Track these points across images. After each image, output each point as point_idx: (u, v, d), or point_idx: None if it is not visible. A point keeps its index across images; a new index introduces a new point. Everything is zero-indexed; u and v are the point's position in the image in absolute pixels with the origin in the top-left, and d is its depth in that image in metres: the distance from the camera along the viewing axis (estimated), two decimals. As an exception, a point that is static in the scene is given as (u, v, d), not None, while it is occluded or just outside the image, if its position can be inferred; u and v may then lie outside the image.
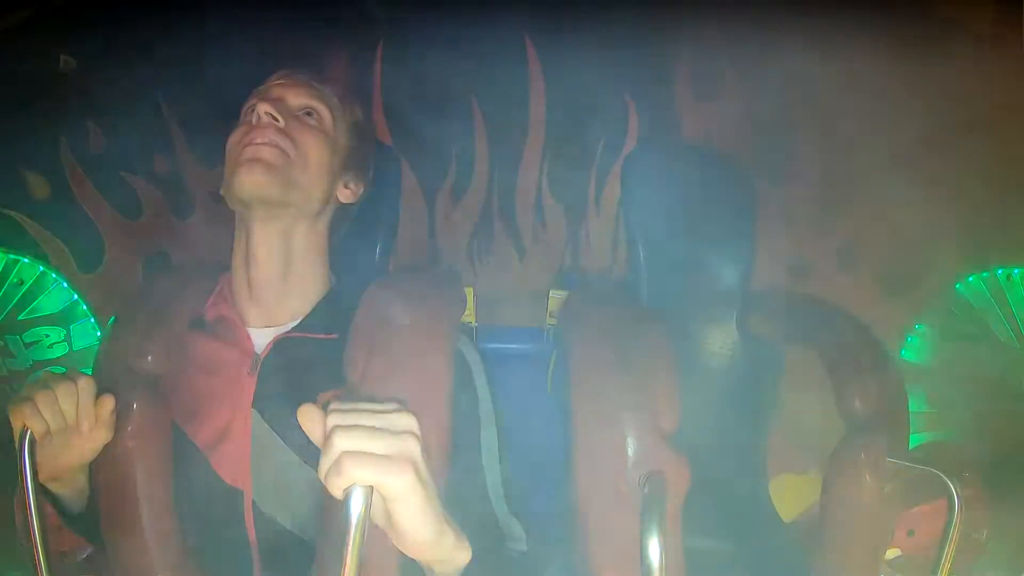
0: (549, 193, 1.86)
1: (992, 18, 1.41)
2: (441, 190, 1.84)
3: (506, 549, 0.77)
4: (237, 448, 0.77)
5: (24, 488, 0.65)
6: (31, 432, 0.66)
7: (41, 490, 0.69)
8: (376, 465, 0.50)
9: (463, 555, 0.61)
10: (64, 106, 1.56)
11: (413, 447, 0.52)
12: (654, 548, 0.65)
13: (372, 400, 0.56)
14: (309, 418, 0.55)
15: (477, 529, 0.69)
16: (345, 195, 0.88)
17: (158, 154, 1.69)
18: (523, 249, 1.88)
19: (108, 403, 0.71)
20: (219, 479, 0.77)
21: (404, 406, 0.56)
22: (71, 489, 0.75)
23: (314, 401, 0.76)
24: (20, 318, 1.50)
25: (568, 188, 1.85)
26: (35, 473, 0.66)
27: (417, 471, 0.52)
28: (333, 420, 0.52)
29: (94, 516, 0.76)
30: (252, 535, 0.77)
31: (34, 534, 0.65)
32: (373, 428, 0.52)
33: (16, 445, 0.66)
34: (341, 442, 0.50)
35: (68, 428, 0.68)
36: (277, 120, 0.78)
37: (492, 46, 1.73)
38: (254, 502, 0.77)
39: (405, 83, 1.77)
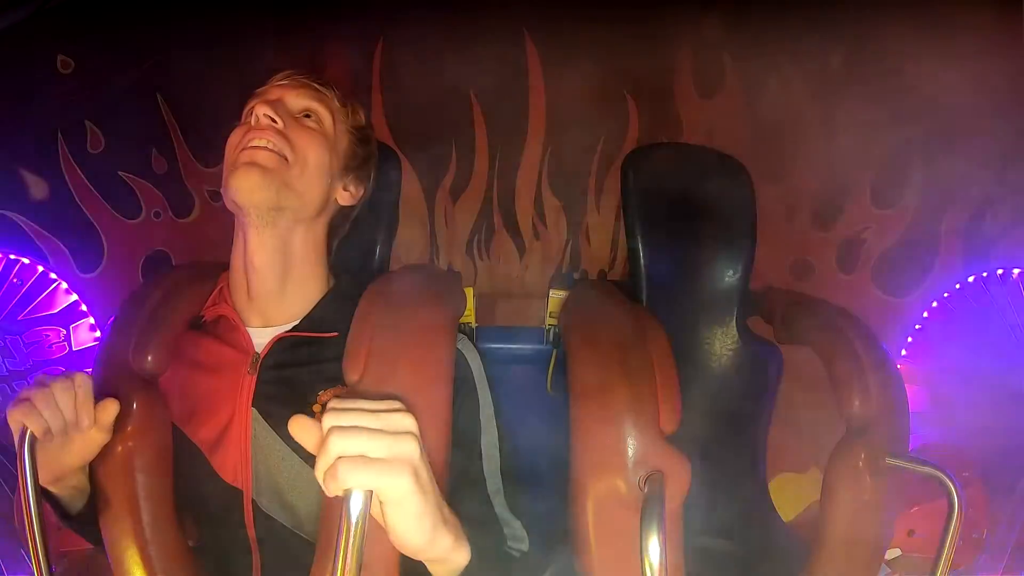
0: (549, 190, 1.86)
1: (993, 17, 1.42)
2: (441, 187, 1.84)
3: (507, 549, 0.77)
4: (237, 447, 0.77)
5: (24, 488, 0.65)
6: (31, 432, 0.66)
7: (41, 491, 0.68)
8: (373, 469, 0.49)
9: (462, 556, 0.61)
10: (62, 106, 1.56)
11: (411, 450, 0.51)
12: (654, 548, 0.65)
13: (371, 398, 0.56)
14: (301, 428, 0.53)
15: (478, 528, 0.69)
16: (345, 198, 0.87)
17: (156, 154, 1.69)
18: (523, 247, 1.88)
19: (112, 407, 0.70)
20: (219, 478, 0.77)
21: (404, 404, 0.55)
22: (71, 489, 0.75)
23: (314, 399, 0.77)
24: (20, 318, 1.49)
25: (568, 185, 1.85)
26: (35, 473, 0.66)
27: (416, 473, 0.52)
28: (330, 420, 0.51)
29: (94, 516, 0.75)
30: (252, 534, 0.77)
31: (34, 534, 0.65)
32: (371, 430, 0.51)
33: (16, 446, 0.66)
34: (337, 445, 0.49)
35: (67, 426, 0.68)
36: (276, 122, 0.77)
37: (492, 41, 1.73)
38: (254, 501, 0.77)
39: (404, 80, 1.77)
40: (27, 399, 0.66)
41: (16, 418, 0.66)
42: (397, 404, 0.55)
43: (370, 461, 0.49)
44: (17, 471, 0.66)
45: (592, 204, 1.86)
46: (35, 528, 0.65)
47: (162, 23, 1.57)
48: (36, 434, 0.65)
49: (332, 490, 0.49)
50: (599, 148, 1.82)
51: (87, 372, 0.71)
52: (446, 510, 0.59)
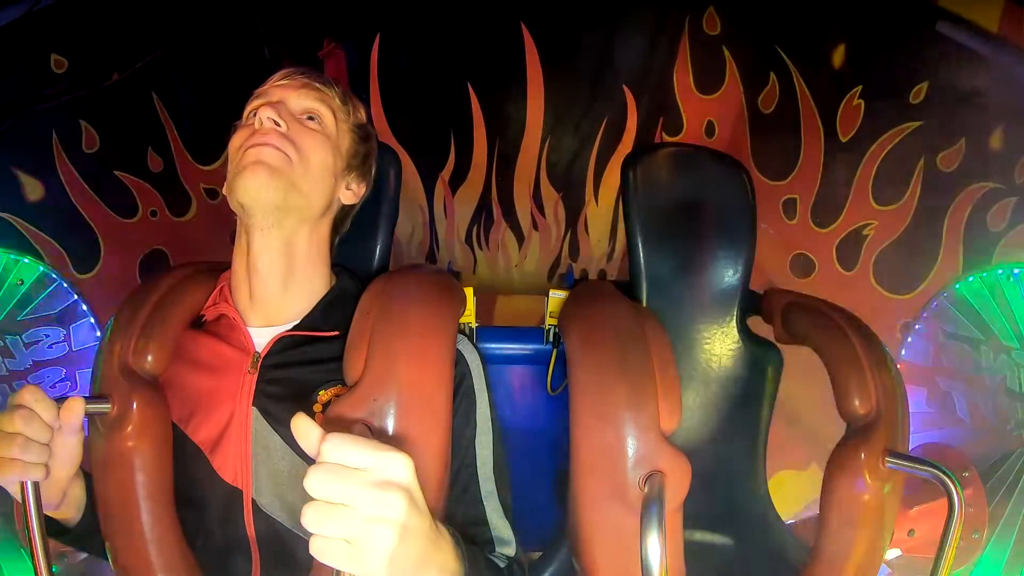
0: (547, 182, 1.86)
1: (995, 16, 1.41)
2: (440, 179, 1.84)
3: (491, 557, 0.77)
4: (237, 447, 0.77)
5: (31, 534, 0.64)
6: (32, 483, 0.64)
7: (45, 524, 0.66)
8: (343, 556, 0.48)
9: (455, 568, 0.60)
10: (56, 106, 1.55)
11: (387, 536, 0.49)
12: (654, 548, 0.65)
13: (365, 432, 0.53)
14: (302, 429, 0.53)
15: (467, 531, 0.68)
16: (347, 196, 0.87)
17: (152, 152, 1.68)
18: (522, 237, 1.88)
19: (77, 406, 0.67)
20: (219, 478, 0.77)
21: (402, 446, 0.53)
22: (73, 509, 0.75)
23: (315, 398, 0.77)
24: (20, 318, 1.49)
25: (566, 177, 1.85)
26: (40, 509, 0.64)
27: (402, 535, 0.50)
28: (311, 481, 0.49)
29: (93, 525, 0.75)
30: (252, 534, 0.77)
31: (34, 534, 0.65)
32: (346, 511, 0.48)
33: (21, 499, 0.64)
34: (313, 521, 0.48)
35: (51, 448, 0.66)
36: (279, 125, 0.77)
37: (489, 33, 1.73)
38: (254, 501, 0.76)
39: (402, 72, 1.77)
40: (7, 458, 0.63)
41: (9, 481, 0.64)
42: (389, 456, 0.51)
43: (341, 545, 0.48)
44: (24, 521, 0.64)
45: (590, 195, 1.86)
46: (35, 530, 0.65)
47: (156, 21, 1.56)
48: (38, 479, 0.64)
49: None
50: (597, 140, 1.82)
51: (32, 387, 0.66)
52: (439, 533, 0.58)
